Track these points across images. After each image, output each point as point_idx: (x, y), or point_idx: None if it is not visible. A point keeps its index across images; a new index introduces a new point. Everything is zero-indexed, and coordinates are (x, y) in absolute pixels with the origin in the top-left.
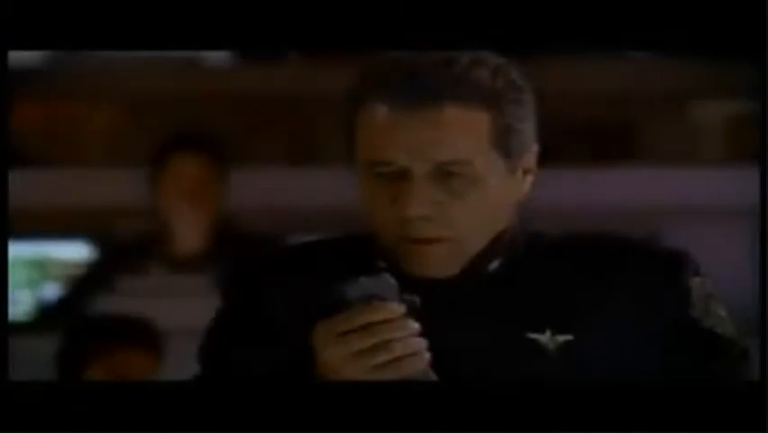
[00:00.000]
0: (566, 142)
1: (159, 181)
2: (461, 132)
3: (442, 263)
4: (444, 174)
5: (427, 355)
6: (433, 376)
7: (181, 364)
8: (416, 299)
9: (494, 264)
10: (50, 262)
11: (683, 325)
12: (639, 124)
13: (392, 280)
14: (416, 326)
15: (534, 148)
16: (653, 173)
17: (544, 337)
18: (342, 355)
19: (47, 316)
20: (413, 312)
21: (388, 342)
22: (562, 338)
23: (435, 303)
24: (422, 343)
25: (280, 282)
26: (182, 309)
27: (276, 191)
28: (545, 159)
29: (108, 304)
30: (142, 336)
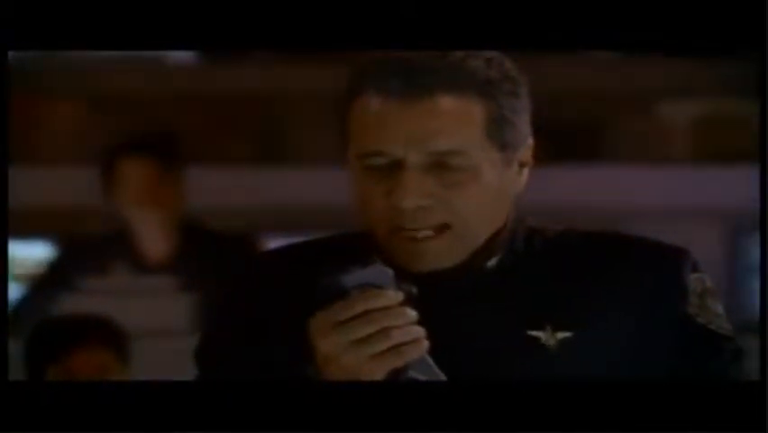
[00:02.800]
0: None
1: (111, 187)
2: (456, 121)
3: (438, 256)
4: (439, 165)
5: (426, 343)
6: (432, 364)
7: (148, 365)
8: (413, 288)
9: (493, 261)
10: (11, 261)
11: (679, 321)
12: (608, 122)
13: (388, 269)
14: (413, 313)
15: (530, 141)
16: (620, 172)
17: (544, 334)
18: (341, 344)
19: (9, 316)
20: (410, 300)
21: (386, 329)
22: (561, 335)
23: (433, 298)
24: (420, 330)
25: (275, 280)
26: (148, 310)
27: (243, 190)
28: None
29: (72, 304)
30: (102, 335)
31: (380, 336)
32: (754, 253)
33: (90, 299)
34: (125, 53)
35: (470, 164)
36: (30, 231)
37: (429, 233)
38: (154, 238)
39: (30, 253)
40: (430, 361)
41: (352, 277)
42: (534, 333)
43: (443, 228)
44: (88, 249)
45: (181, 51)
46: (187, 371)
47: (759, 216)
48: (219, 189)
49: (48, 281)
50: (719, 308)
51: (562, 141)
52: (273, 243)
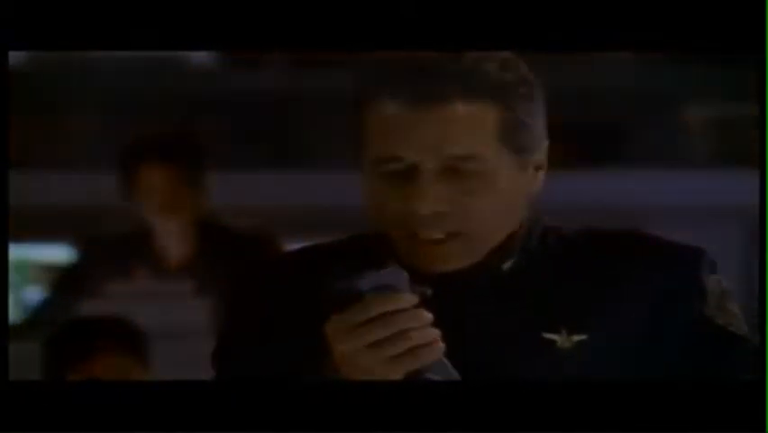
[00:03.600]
0: (554, 142)
1: (132, 191)
2: (470, 127)
3: (453, 260)
4: (454, 170)
5: (443, 345)
6: (449, 365)
7: (169, 368)
8: (428, 290)
9: (508, 263)
10: (32, 264)
11: (697, 322)
12: (628, 124)
13: (403, 272)
14: (429, 315)
15: (545, 144)
16: (641, 174)
17: (560, 337)
18: (358, 347)
19: (30, 319)
20: (426, 303)
21: (403, 332)
22: (577, 338)
23: (448, 300)
24: (437, 332)
25: (291, 283)
26: (170, 313)
27: (263, 193)
28: None
29: (93, 307)
30: (123, 338)
31: (397, 339)
32: None
33: (111, 302)
34: (138, 54)
35: (484, 169)
36: (49, 234)
37: (443, 236)
38: (176, 242)
39: (50, 256)
40: (447, 363)
41: (368, 280)
42: (549, 335)
43: (458, 233)
44: (109, 252)
45: (182, 52)
46: (208, 373)
47: (759, 216)
48: (235, 191)
49: (68, 284)
50: (736, 309)
51: (581, 143)
52: (290, 244)
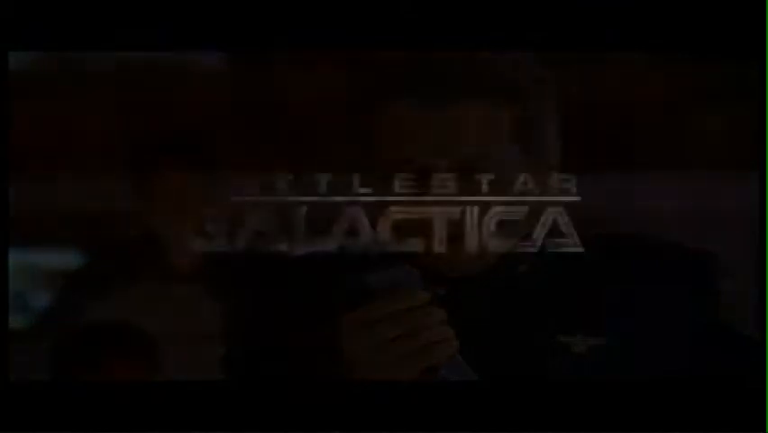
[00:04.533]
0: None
1: (144, 196)
2: (482, 127)
3: (466, 260)
4: (467, 171)
5: (457, 343)
6: (463, 363)
7: (179, 374)
8: (441, 289)
9: (523, 266)
10: (40, 269)
11: (711, 326)
12: (636, 127)
13: (415, 270)
14: (443, 313)
15: (559, 144)
16: (649, 177)
17: (575, 340)
18: (370, 345)
19: (39, 325)
20: (438, 301)
21: (415, 329)
22: (592, 341)
23: (463, 302)
24: (450, 330)
25: (303, 283)
26: (178, 318)
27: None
28: None
29: (103, 313)
30: (131, 342)
31: (409, 336)
32: None
33: (120, 307)
34: (145, 56)
35: (497, 170)
36: (57, 238)
37: (457, 237)
38: (186, 246)
39: (58, 261)
40: (462, 362)
41: (380, 278)
42: (565, 339)
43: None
44: (118, 256)
45: (185, 53)
46: (216, 377)
47: (759, 217)
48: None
49: (77, 289)
50: (750, 313)
51: (596, 146)
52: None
